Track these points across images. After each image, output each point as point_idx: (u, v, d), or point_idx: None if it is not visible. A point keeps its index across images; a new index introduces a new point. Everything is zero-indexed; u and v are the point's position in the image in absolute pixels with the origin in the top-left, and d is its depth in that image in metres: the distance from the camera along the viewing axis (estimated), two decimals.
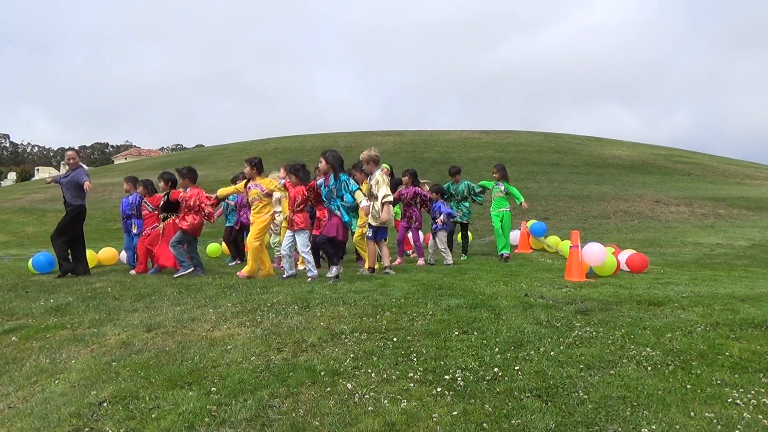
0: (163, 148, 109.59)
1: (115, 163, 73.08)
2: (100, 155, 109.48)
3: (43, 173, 68.88)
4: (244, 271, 7.02)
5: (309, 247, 6.69)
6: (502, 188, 9.41)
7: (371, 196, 7.19)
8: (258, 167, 7.32)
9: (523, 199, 9.58)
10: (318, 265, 7.58)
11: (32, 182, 49.07)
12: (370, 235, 7.29)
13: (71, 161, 7.94)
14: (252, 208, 7.30)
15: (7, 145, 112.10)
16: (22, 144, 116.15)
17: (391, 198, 7.18)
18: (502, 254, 9.18)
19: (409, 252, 9.80)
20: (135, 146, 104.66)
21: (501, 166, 9.67)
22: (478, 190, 9.56)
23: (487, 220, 13.05)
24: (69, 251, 7.81)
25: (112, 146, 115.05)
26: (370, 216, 7.07)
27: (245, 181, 7.38)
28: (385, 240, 7.58)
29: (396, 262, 8.42)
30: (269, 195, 7.23)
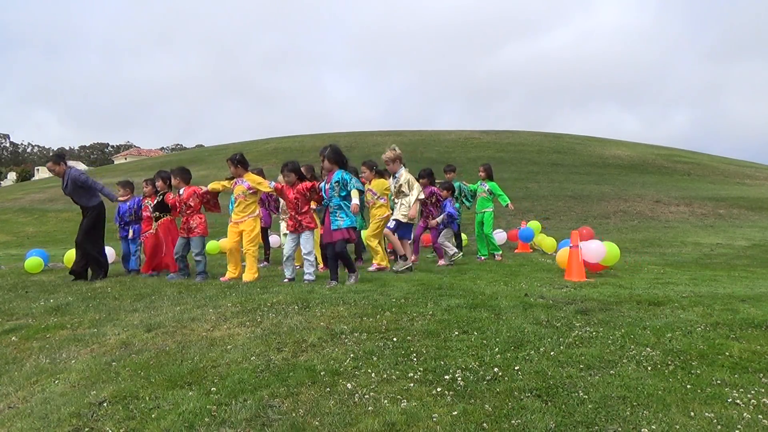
0: (163, 148, 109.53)
1: (115, 163, 73.11)
2: (99, 155, 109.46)
3: (43, 173, 68.80)
4: (245, 277, 6.82)
5: (314, 248, 6.53)
6: (486, 188, 9.29)
7: (400, 194, 7.26)
8: (242, 164, 6.97)
9: (509, 201, 9.47)
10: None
11: (32, 182, 49.05)
12: (391, 227, 7.22)
13: (56, 170, 7.46)
14: (236, 205, 7.00)
15: (7, 145, 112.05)
16: (22, 144, 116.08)
17: (423, 195, 7.39)
18: (493, 255, 9.10)
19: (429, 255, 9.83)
20: (135, 146, 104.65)
21: (487, 166, 9.57)
22: (470, 194, 9.54)
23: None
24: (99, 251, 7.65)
25: (112, 146, 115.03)
26: (398, 212, 7.20)
27: (231, 177, 7.06)
28: (409, 240, 7.56)
29: (412, 260, 8.43)
30: (255, 193, 6.98)
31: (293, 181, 6.54)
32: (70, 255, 9.02)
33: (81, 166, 75.58)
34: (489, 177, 9.42)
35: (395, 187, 7.34)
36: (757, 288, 5.97)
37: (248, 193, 6.91)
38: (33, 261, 8.71)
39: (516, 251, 10.86)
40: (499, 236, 11.34)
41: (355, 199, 6.11)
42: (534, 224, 11.65)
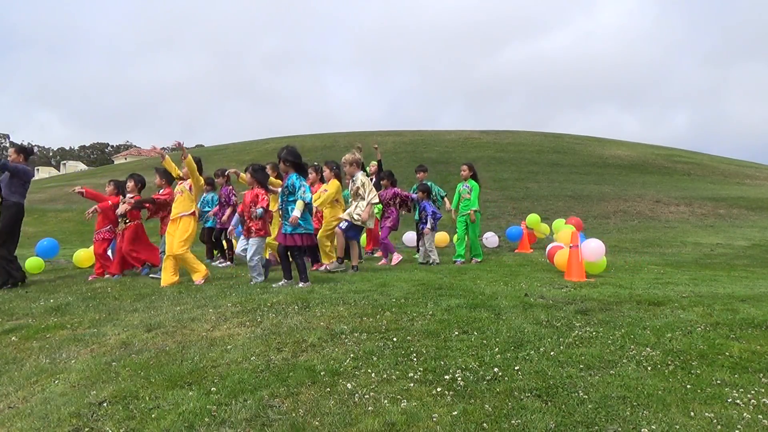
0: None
1: (115, 162, 73.07)
2: (99, 155, 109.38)
3: (43, 173, 68.81)
4: (197, 278, 6.64)
5: (259, 256, 6.43)
6: (468, 188, 8.80)
7: (357, 196, 7.39)
8: (199, 164, 6.83)
9: (475, 208, 8.81)
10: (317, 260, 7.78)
11: (32, 182, 48.98)
12: (342, 227, 7.33)
13: (12, 157, 7.23)
14: (175, 200, 6.83)
15: (7, 145, 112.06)
16: (22, 144, 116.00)
17: (377, 200, 7.45)
18: (472, 259, 8.81)
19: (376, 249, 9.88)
20: (135, 146, 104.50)
21: (470, 165, 9.07)
22: (442, 195, 9.43)
23: (489, 220, 13.08)
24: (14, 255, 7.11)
25: (112, 146, 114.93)
26: (353, 212, 7.30)
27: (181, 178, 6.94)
28: (356, 240, 7.64)
29: (381, 263, 8.41)
30: (191, 190, 6.80)
31: (251, 183, 6.50)
32: (78, 255, 9.05)
33: (81, 167, 75.60)
34: (472, 177, 8.94)
35: (352, 189, 7.45)
36: (757, 288, 5.97)
37: (186, 189, 6.78)
38: (33, 261, 8.73)
39: (516, 251, 10.86)
40: (492, 240, 11.38)
41: (297, 212, 5.90)
42: (533, 217, 11.72)
